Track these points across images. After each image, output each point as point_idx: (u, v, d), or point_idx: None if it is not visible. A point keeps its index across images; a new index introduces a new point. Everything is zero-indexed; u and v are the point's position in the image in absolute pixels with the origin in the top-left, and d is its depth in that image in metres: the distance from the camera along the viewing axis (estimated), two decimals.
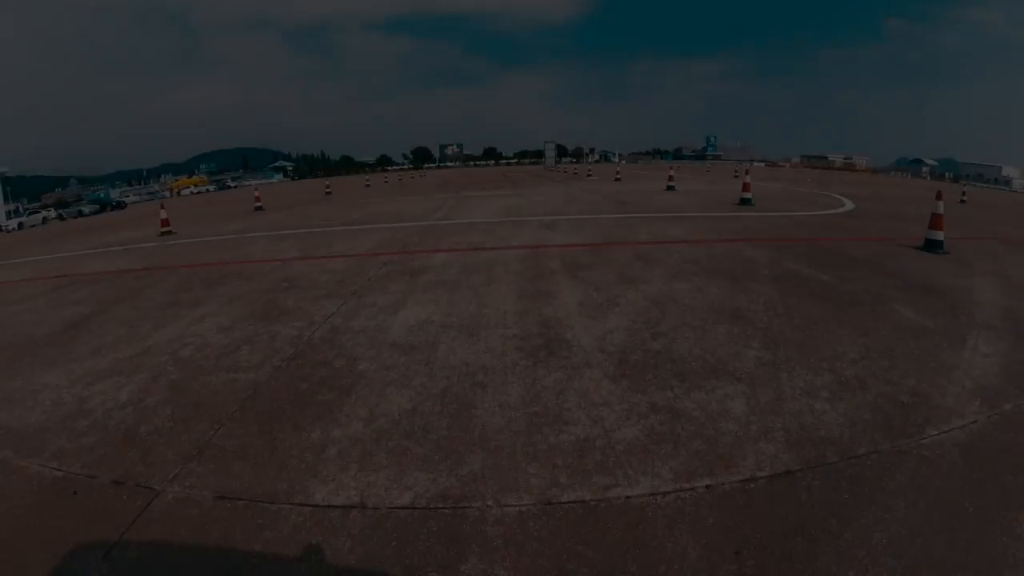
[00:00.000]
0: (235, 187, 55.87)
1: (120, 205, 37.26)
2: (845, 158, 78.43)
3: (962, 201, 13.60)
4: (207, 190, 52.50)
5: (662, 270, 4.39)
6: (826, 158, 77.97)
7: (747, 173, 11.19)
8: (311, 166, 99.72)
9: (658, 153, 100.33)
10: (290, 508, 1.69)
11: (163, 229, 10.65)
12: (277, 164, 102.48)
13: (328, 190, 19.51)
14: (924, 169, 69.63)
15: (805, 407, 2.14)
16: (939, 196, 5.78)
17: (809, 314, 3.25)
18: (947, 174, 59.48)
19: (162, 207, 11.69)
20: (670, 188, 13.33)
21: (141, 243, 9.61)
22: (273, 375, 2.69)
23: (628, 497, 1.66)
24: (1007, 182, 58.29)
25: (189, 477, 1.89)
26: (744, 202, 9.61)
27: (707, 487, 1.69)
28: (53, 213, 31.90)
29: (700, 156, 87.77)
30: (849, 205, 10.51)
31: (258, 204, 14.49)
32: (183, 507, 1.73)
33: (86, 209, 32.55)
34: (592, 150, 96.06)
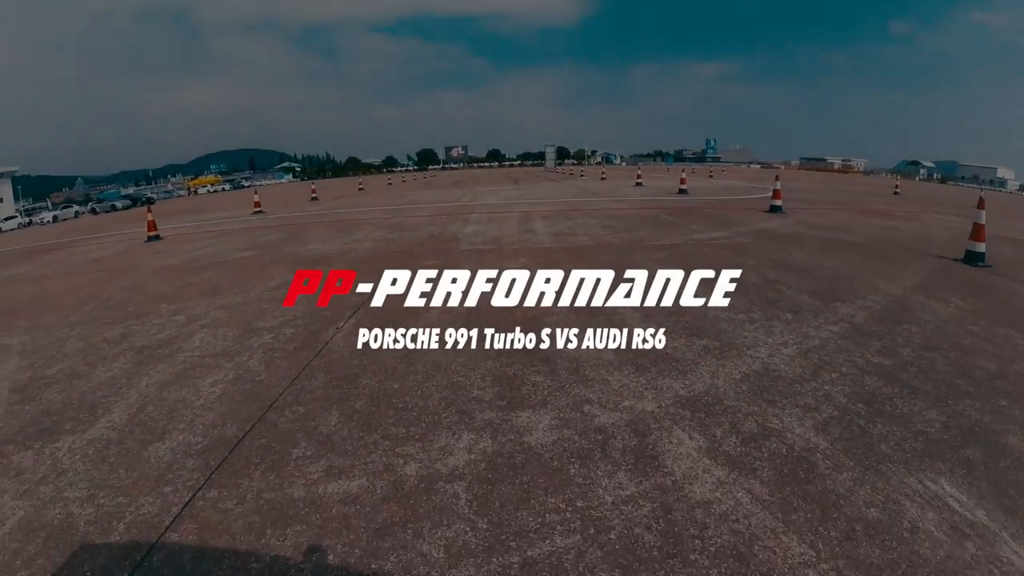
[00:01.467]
0: (248, 187, 60.77)
1: (150, 201, 42.38)
2: (843, 160, 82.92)
3: (895, 192, 17.10)
4: (222, 189, 57.46)
5: (588, 217, 9.02)
6: (824, 160, 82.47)
7: (683, 171, 15.86)
8: (318, 167, 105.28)
9: (659, 155, 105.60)
10: (457, 247, 6.25)
11: (255, 209, 15.26)
12: (284, 165, 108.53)
13: (361, 186, 24.31)
14: (922, 171, 74.29)
15: (611, 235, 6.71)
16: (777, 178, 10.43)
17: (642, 226, 7.80)
18: (936, 175, 64.06)
19: (255, 192, 16.40)
20: (638, 184, 17.94)
21: (249, 217, 13.98)
22: (424, 242, 7.26)
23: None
24: (1002, 183, 63.04)
25: (426, 257, 6.49)
26: (681, 192, 14.19)
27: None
28: (86, 208, 36.67)
29: (700, 158, 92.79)
30: None
31: (314, 195, 19.22)
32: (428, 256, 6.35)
33: (119, 204, 37.61)
34: (594, 152, 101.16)
